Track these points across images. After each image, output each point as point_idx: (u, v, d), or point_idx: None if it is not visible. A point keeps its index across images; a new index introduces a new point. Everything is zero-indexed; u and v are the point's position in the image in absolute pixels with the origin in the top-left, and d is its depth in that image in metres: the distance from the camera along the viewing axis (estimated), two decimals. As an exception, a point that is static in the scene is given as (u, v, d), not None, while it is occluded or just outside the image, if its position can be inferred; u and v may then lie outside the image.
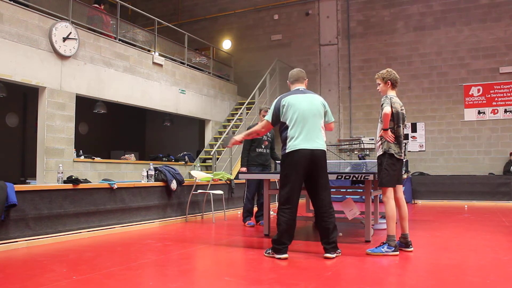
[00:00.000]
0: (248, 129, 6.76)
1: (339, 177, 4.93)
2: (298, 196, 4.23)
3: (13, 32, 7.28)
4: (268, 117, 4.43)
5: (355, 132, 13.31)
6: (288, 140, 4.23)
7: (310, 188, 4.27)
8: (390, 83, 4.50)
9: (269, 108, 6.82)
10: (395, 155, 4.34)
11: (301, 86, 4.46)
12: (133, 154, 10.51)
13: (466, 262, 4.05)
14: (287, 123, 4.26)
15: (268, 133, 6.70)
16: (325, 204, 4.18)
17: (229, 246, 4.94)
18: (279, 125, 4.40)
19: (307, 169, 4.17)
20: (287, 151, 4.21)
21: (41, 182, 7.55)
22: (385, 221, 4.37)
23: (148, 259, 4.22)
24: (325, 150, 4.28)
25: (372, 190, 5.10)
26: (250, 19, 14.81)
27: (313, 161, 4.15)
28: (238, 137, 4.76)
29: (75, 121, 8.39)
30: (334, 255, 4.09)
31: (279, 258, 4.05)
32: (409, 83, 12.56)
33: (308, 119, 4.21)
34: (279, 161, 6.75)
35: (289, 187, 4.16)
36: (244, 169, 6.56)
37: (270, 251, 4.20)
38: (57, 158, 7.93)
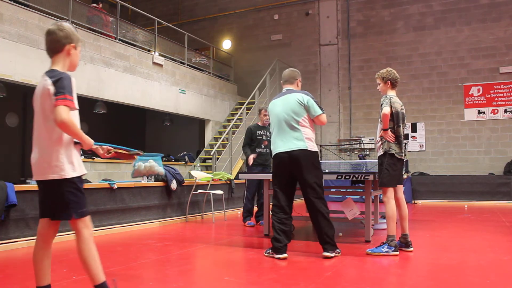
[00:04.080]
0: (246, 133, 6.83)
1: (339, 177, 4.93)
2: (286, 197, 4.23)
3: (13, 32, 7.28)
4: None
5: (355, 132, 13.30)
6: (271, 145, 4.42)
7: (301, 188, 4.29)
8: (390, 83, 4.49)
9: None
10: (396, 155, 4.33)
11: (289, 87, 4.45)
12: (133, 154, 10.49)
13: (466, 262, 4.05)
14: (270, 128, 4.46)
15: (268, 133, 6.72)
16: (313, 203, 4.14)
17: (229, 246, 4.94)
18: None
19: (289, 171, 4.22)
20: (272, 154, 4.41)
21: (41, 182, 7.54)
22: (385, 221, 4.37)
23: (148, 259, 4.22)
24: (307, 148, 4.14)
25: (372, 190, 5.10)
26: (250, 19, 14.81)
27: (293, 162, 4.16)
28: None
29: (75, 121, 8.37)
30: (332, 254, 4.09)
31: (278, 258, 4.06)
32: (409, 83, 12.56)
33: (282, 121, 4.25)
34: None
35: (274, 189, 4.31)
36: (251, 157, 6.53)
37: (270, 250, 4.21)
38: (57, 158, 7.92)
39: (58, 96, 2.34)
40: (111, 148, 2.64)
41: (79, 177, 2.52)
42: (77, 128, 2.39)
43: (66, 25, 2.58)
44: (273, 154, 4.33)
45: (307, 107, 4.21)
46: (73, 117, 2.39)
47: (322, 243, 4.16)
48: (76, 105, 2.42)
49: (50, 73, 2.46)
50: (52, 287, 3.14)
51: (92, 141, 2.52)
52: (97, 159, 9.01)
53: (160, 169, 3.23)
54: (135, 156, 2.77)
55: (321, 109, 4.24)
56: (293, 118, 4.19)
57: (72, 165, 2.46)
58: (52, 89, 2.37)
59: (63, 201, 2.47)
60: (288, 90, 4.41)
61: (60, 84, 2.36)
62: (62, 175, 2.43)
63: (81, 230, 2.51)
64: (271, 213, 4.30)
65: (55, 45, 2.53)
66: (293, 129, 4.19)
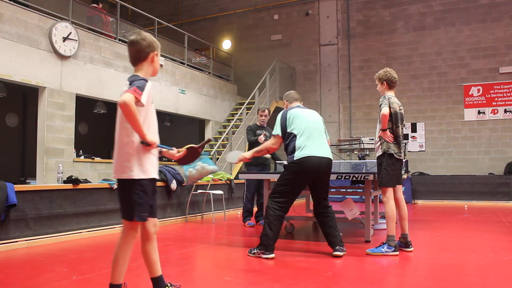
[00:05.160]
0: (247, 130, 6.81)
1: (339, 177, 4.93)
2: (294, 199, 4.34)
3: (13, 32, 7.28)
4: (277, 131, 4.39)
5: (355, 132, 13.31)
6: (297, 149, 4.21)
7: (313, 192, 4.36)
8: (386, 84, 4.49)
9: (267, 108, 6.91)
10: (395, 155, 4.34)
11: (301, 105, 4.65)
12: (133, 154, 10.49)
13: (466, 262, 4.05)
14: (295, 132, 4.27)
15: (267, 134, 6.70)
16: (325, 205, 4.32)
17: (229, 246, 4.95)
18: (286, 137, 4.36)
19: (313, 176, 4.25)
20: (295, 158, 4.18)
21: (41, 182, 7.55)
22: (385, 221, 4.37)
23: (148, 259, 4.21)
24: (331, 159, 4.37)
25: (372, 190, 5.11)
26: (250, 19, 14.81)
27: (320, 168, 4.22)
28: (248, 154, 4.66)
29: (75, 121, 8.39)
30: (342, 253, 4.14)
31: (266, 258, 4.05)
32: (409, 83, 12.56)
33: (315, 130, 4.36)
34: (279, 161, 6.77)
35: (288, 191, 4.24)
36: (261, 136, 6.47)
37: (256, 250, 4.16)
38: (57, 158, 7.93)
39: (129, 88, 2.46)
40: (180, 149, 2.74)
41: (149, 180, 2.60)
42: (137, 116, 2.46)
43: (147, 34, 2.70)
44: (302, 156, 4.15)
45: (324, 128, 4.56)
46: (138, 111, 2.48)
47: (331, 244, 4.21)
48: (144, 102, 2.49)
49: (132, 77, 2.59)
50: (52, 287, 3.15)
51: (156, 140, 2.64)
52: (96, 159, 9.01)
53: (211, 167, 3.22)
54: (200, 150, 2.82)
55: None
56: (323, 132, 4.47)
57: (141, 167, 2.57)
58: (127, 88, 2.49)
59: (129, 202, 2.57)
60: (304, 107, 4.64)
61: (135, 82, 2.49)
62: (130, 176, 2.55)
63: (129, 231, 2.61)
64: (269, 209, 4.21)
65: (140, 54, 2.65)
66: (324, 139, 4.43)
